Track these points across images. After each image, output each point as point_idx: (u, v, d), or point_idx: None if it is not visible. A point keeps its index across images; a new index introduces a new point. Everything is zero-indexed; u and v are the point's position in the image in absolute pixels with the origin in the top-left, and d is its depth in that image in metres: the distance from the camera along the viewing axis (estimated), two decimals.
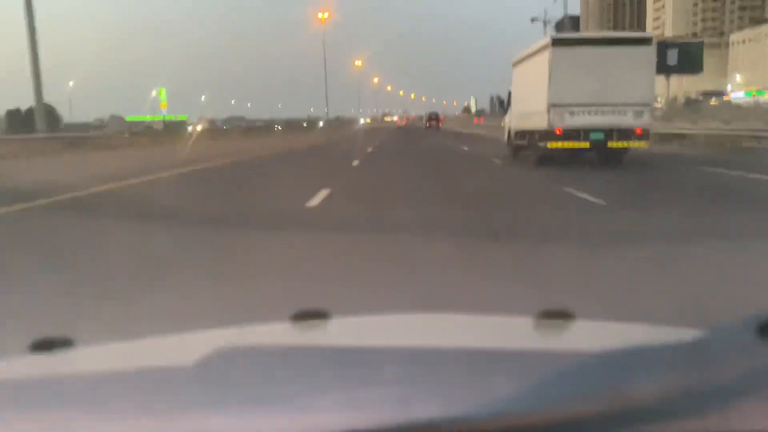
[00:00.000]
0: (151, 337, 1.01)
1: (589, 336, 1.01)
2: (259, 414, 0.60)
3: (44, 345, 0.86)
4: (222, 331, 1.06)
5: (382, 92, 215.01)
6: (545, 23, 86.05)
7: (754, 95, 65.39)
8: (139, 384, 0.72)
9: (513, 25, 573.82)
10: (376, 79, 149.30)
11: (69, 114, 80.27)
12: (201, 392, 0.67)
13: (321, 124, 66.86)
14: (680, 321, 1.07)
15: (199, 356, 0.75)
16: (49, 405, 0.66)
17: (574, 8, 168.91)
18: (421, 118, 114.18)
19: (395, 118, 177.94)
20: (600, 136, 11.89)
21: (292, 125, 67.27)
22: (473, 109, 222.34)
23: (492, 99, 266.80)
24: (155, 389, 0.70)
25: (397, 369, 0.71)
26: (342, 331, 1.08)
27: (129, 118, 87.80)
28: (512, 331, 1.08)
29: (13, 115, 60.85)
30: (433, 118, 70.62)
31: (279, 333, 1.07)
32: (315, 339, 1.01)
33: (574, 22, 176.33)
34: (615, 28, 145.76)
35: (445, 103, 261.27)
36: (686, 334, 0.83)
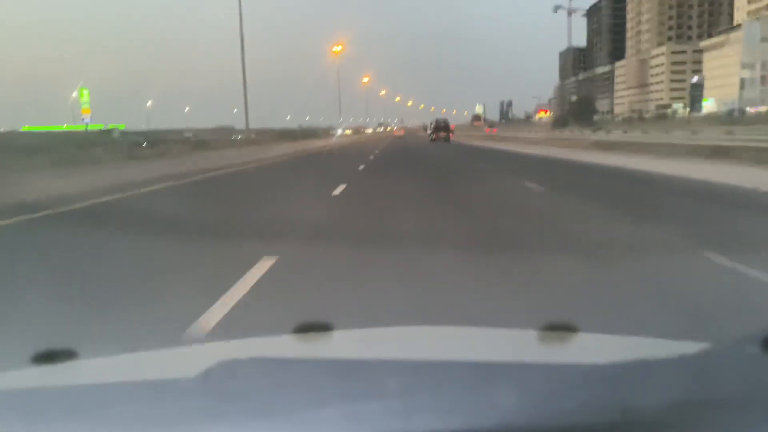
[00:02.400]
0: (154, 348, 1.07)
1: (592, 349, 1.04)
2: (261, 426, 0.61)
3: (47, 356, 0.89)
4: (225, 343, 1.12)
5: (375, 98, 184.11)
6: (570, 12, 61.84)
7: None
8: (142, 395, 0.74)
9: (518, 27, 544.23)
10: (366, 79, 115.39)
11: None
12: (204, 404, 0.68)
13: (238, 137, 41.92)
14: (684, 334, 1.09)
15: (202, 368, 0.74)
16: (52, 416, 0.67)
17: None
18: (422, 127, 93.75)
19: (381, 129, 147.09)
20: None
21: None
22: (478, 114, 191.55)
23: (502, 105, 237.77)
24: (158, 401, 0.71)
25: (399, 381, 0.71)
26: (345, 343, 1.13)
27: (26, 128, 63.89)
28: (515, 344, 1.10)
29: None
30: (442, 127, 51.73)
31: (282, 345, 1.11)
32: (318, 351, 1.05)
33: (614, 5, 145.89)
34: (679, 14, 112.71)
35: (444, 110, 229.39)
36: (690, 347, 0.84)
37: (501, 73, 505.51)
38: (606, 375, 0.70)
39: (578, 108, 77.31)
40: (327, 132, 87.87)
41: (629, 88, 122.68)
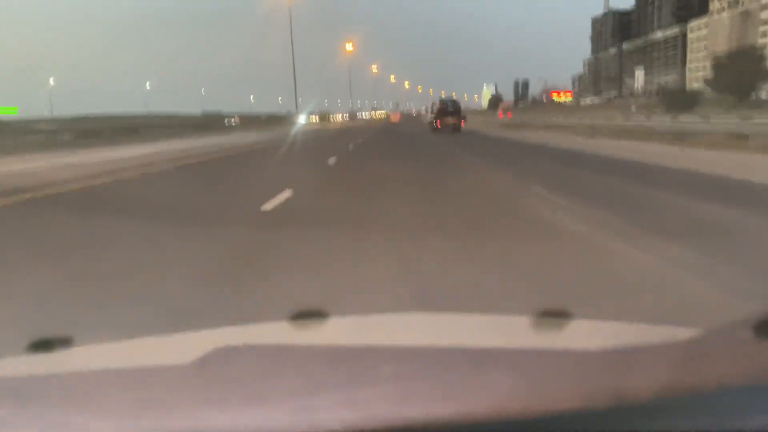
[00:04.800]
0: (149, 335, 1.08)
1: (586, 335, 1.05)
2: (257, 412, 0.62)
3: (43, 344, 0.90)
4: (221, 329, 1.14)
5: (364, 77, 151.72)
6: None
7: None
8: (137, 382, 0.75)
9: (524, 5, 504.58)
10: (349, 45, 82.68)
11: None
12: (199, 391, 0.70)
13: None
14: (677, 320, 1.11)
15: (197, 355, 0.76)
16: (48, 403, 0.68)
17: None
18: (424, 112, 69.16)
19: (367, 115, 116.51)
20: None
21: None
22: (486, 101, 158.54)
23: (517, 86, 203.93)
24: (154, 388, 0.72)
25: (394, 367, 0.72)
26: (340, 330, 1.14)
27: None
28: (509, 330, 1.12)
29: None
30: (449, 110, 34.70)
31: (277, 332, 1.13)
32: (313, 338, 1.06)
33: None
34: None
35: (443, 93, 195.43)
36: (683, 332, 0.86)
37: (509, 53, 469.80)
38: (599, 360, 0.70)
39: (731, 73, 41.27)
40: (278, 120, 56.60)
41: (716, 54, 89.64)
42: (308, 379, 0.69)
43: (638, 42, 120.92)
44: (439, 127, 33.01)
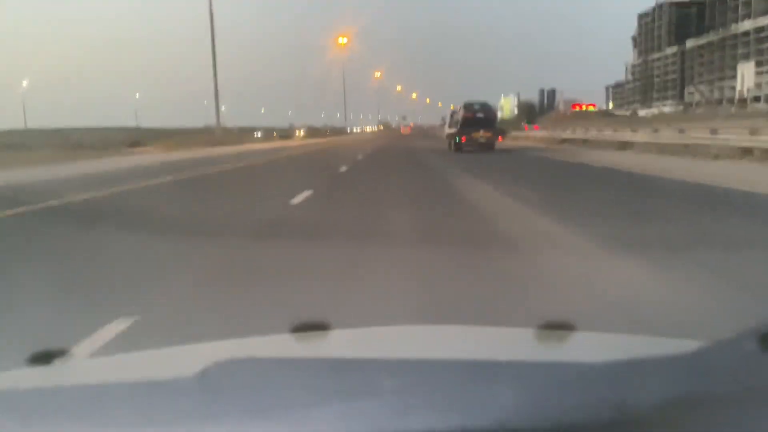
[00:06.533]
0: (151, 348, 1.07)
1: (589, 347, 1.06)
2: (259, 425, 0.62)
3: (44, 357, 0.91)
4: (223, 342, 1.16)
5: (365, 86, 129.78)
6: None
7: None
8: (139, 395, 0.75)
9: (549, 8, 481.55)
10: (342, 40, 59.55)
11: None
12: (201, 404, 0.70)
13: None
14: (681, 332, 1.17)
15: (199, 368, 0.76)
16: (48, 417, 0.69)
17: None
18: (441, 124, 53.53)
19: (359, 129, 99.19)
20: None
21: None
22: (504, 111, 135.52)
23: (543, 95, 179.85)
24: (156, 401, 0.72)
25: (396, 380, 0.72)
26: (342, 342, 1.15)
27: None
28: (511, 343, 1.13)
29: None
30: (481, 120, 25.40)
31: (279, 344, 1.14)
32: (315, 350, 1.07)
33: None
34: None
35: (453, 107, 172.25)
36: (687, 345, 0.85)
37: (524, 64, 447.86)
38: (602, 373, 0.71)
39: None
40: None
41: None
42: (309, 391, 0.69)
43: (711, 37, 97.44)
44: (464, 142, 24.77)
